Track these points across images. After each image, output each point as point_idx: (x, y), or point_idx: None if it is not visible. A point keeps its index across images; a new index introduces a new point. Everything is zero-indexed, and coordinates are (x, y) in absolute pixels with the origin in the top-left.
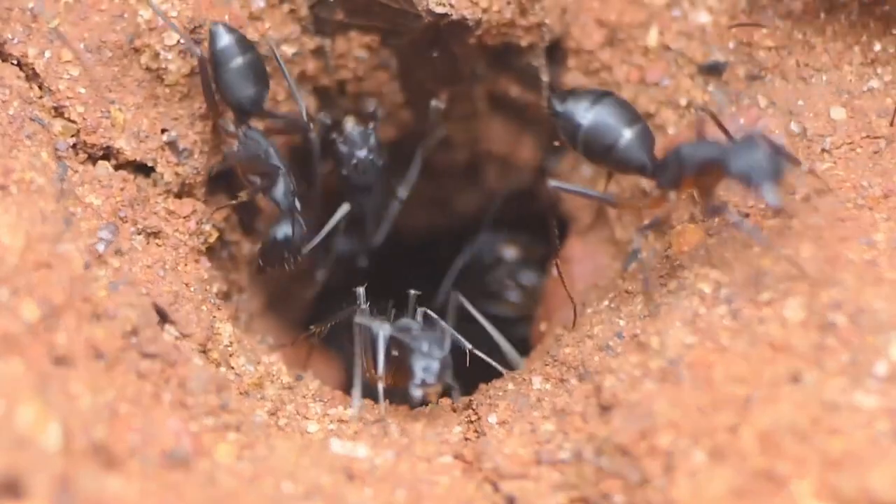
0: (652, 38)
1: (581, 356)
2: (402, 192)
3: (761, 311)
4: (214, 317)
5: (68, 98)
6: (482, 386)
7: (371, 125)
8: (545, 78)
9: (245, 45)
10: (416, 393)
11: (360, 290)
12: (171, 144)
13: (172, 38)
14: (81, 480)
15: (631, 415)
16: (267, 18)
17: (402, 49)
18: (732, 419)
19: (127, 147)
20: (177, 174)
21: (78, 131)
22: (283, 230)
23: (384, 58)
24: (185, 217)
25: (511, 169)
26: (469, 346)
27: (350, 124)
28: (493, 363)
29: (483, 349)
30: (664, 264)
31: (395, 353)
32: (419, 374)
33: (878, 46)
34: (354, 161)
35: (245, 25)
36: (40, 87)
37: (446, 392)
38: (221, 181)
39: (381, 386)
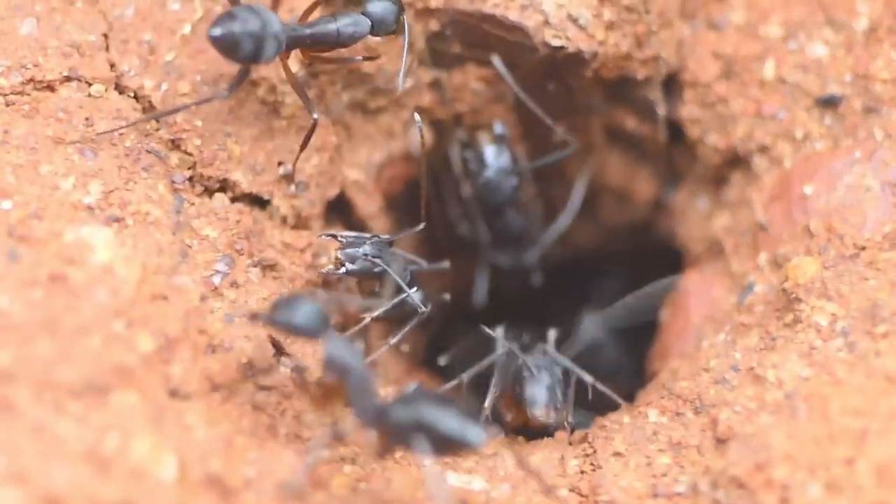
0: (768, 70)
1: (697, 389)
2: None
3: (878, 343)
4: None
5: (185, 130)
6: (598, 419)
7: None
8: (661, 111)
9: None
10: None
11: (500, 331)
12: (287, 177)
13: None
14: None
15: (747, 447)
16: (384, 52)
17: (519, 82)
18: (849, 452)
19: (243, 179)
20: (292, 207)
21: (194, 164)
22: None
23: (500, 90)
24: (300, 249)
25: (628, 203)
26: (590, 378)
27: (485, 142)
28: (612, 395)
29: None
30: (780, 297)
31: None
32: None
33: None
34: (483, 180)
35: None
36: (157, 120)
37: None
38: (336, 212)
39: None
